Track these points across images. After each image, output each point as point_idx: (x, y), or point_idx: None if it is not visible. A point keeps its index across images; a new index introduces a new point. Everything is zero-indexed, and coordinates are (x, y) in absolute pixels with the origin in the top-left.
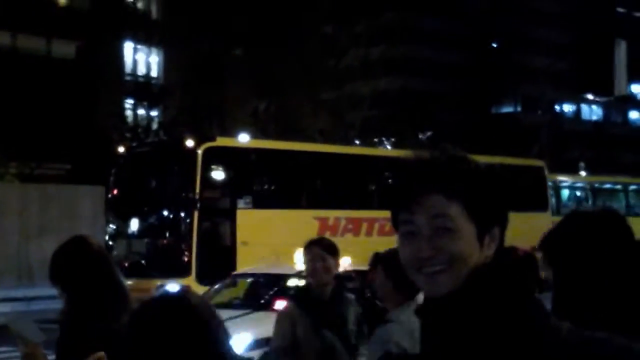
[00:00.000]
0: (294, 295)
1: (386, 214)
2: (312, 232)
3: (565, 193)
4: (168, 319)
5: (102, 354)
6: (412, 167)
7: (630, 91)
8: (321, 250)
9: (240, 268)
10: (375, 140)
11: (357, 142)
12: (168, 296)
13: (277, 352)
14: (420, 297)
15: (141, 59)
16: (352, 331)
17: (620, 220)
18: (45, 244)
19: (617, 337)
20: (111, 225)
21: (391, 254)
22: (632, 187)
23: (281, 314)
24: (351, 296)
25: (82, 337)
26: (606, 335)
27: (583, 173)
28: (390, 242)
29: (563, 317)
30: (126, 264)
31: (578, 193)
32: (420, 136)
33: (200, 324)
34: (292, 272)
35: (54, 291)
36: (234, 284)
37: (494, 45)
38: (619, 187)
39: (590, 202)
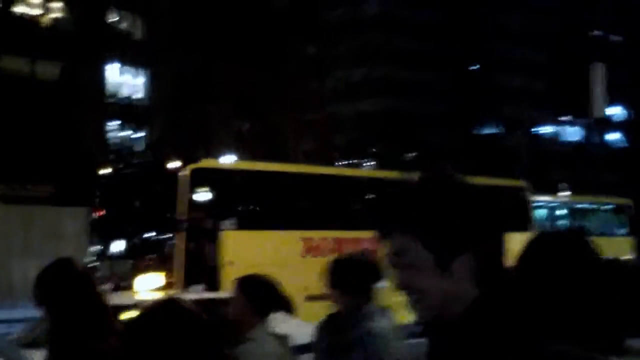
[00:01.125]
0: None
1: (370, 234)
2: (297, 252)
3: (542, 213)
4: (167, 321)
5: None
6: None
7: (606, 114)
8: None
9: (225, 289)
10: (359, 161)
11: (342, 163)
12: (162, 302)
13: None
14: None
15: (125, 80)
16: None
17: (583, 241)
18: (28, 265)
19: (577, 349)
20: (95, 246)
21: (249, 278)
22: (608, 206)
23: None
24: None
25: (72, 358)
26: (567, 347)
27: (566, 193)
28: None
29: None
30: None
31: (556, 212)
32: (404, 157)
33: (196, 324)
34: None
35: (36, 313)
36: None
37: (475, 66)
38: (595, 206)
39: (567, 221)
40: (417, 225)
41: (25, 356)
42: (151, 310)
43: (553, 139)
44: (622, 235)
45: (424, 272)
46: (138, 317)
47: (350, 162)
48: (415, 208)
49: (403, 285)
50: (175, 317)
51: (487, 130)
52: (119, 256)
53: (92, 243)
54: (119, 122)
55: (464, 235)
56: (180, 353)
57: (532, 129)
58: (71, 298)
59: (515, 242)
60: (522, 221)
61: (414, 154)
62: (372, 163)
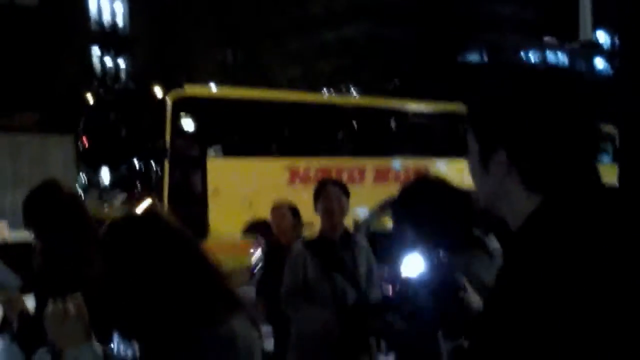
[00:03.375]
0: (304, 237)
1: (356, 162)
2: (283, 180)
3: None
4: (143, 225)
5: (78, 294)
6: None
7: (596, 37)
8: (338, 190)
9: (212, 217)
10: (344, 88)
11: (326, 90)
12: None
13: (288, 294)
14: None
15: (105, 7)
16: (363, 275)
17: None
18: (18, 193)
19: None
20: (82, 175)
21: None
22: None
23: (292, 256)
24: (363, 239)
25: (59, 282)
26: None
27: None
28: (359, 189)
29: None
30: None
31: None
32: (388, 84)
33: (174, 231)
34: None
35: (28, 238)
36: None
37: None
38: None
39: None
40: (476, 106)
41: (17, 278)
42: (125, 218)
43: (538, 64)
44: (606, 162)
45: (473, 161)
46: (115, 222)
47: (335, 89)
48: (478, 89)
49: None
50: (151, 224)
51: (471, 58)
52: (107, 186)
53: (80, 172)
54: (101, 49)
55: (497, 126)
56: (155, 260)
57: (517, 55)
58: (59, 219)
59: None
60: None
61: (397, 81)
62: (356, 90)
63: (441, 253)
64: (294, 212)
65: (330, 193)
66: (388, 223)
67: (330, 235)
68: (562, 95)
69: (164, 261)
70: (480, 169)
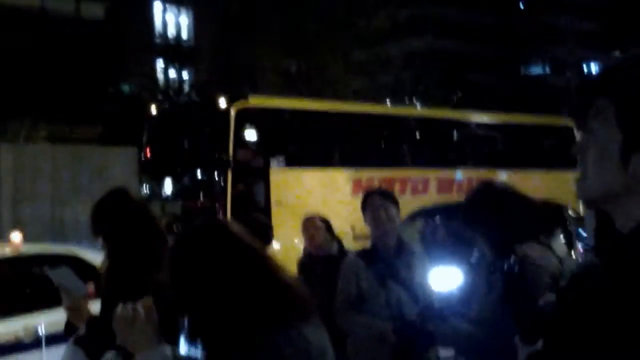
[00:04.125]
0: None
1: (419, 172)
2: (345, 191)
3: None
4: (212, 235)
5: (149, 298)
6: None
7: None
8: (382, 198)
9: (275, 228)
10: (407, 101)
11: (389, 102)
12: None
13: (341, 307)
14: None
15: (171, 20)
16: (419, 282)
17: None
18: (78, 206)
19: None
20: (144, 187)
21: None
22: None
23: (345, 267)
24: (418, 246)
25: (128, 287)
26: None
27: None
28: (422, 200)
29: None
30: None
31: None
32: (451, 97)
33: (242, 240)
34: None
35: (86, 252)
36: None
37: (521, 5)
38: None
39: None
40: (623, 91)
41: (83, 285)
42: (197, 227)
43: None
44: None
45: (602, 151)
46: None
47: (398, 101)
48: (624, 74)
49: (577, 157)
50: (218, 237)
51: (534, 71)
52: (169, 196)
53: (142, 183)
54: (165, 61)
55: None
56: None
57: (582, 68)
58: (130, 225)
59: (563, 180)
60: (570, 159)
61: (460, 94)
62: (419, 103)
63: (512, 258)
64: (327, 224)
65: (376, 202)
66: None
67: (382, 244)
68: None
69: (234, 270)
70: (618, 160)
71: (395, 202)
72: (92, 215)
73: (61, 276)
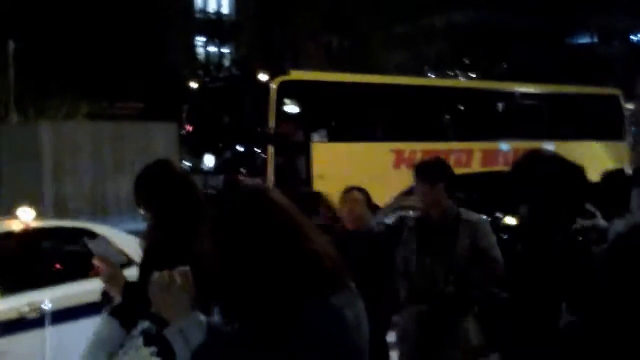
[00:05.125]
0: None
1: (462, 145)
2: (388, 165)
3: None
4: (254, 199)
5: (187, 267)
6: None
7: None
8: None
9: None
10: (450, 73)
11: (432, 75)
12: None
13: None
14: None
15: None
16: (462, 257)
17: None
18: (120, 181)
19: None
20: (185, 162)
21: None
22: None
23: (403, 237)
24: (476, 219)
25: (167, 256)
26: None
27: None
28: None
29: None
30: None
31: None
32: (495, 68)
33: (283, 206)
34: None
35: (129, 227)
36: None
37: None
38: None
39: None
40: None
41: (119, 255)
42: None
43: None
44: None
45: None
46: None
47: (441, 74)
48: None
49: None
50: (259, 203)
51: (580, 41)
52: (211, 171)
53: (183, 158)
54: (205, 37)
55: None
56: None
57: (629, 37)
58: (170, 196)
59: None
60: (617, 130)
61: (505, 65)
62: (462, 75)
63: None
64: (367, 197)
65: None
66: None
67: (430, 217)
68: None
69: (272, 238)
70: None
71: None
72: (135, 185)
73: (99, 246)
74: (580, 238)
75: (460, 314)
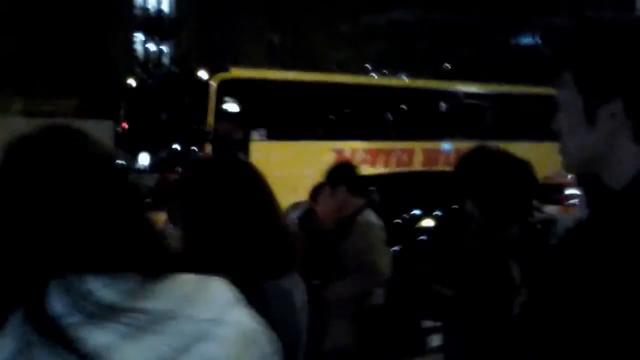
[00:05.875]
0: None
1: (404, 144)
2: (328, 164)
3: None
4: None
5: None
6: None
7: None
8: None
9: None
10: (391, 72)
11: (374, 74)
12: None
13: None
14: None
15: None
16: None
17: None
18: None
19: None
20: (121, 160)
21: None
22: None
23: None
24: (365, 221)
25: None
26: None
27: None
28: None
29: None
30: None
31: None
32: (438, 68)
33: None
34: None
35: None
36: None
37: None
38: None
39: None
40: (575, 56)
41: None
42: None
43: None
44: None
45: (571, 115)
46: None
47: (383, 73)
48: (581, 40)
49: (555, 130)
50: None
51: (525, 40)
52: (146, 169)
53: (119, 156)
54: (145, 35)
55: (615, 73)
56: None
57: None
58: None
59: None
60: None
61: (449, 66)
62: (405, 74)
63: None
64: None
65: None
66: None
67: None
68: None
69: (246, 206)
70: (585, 121)
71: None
72: None
73: None
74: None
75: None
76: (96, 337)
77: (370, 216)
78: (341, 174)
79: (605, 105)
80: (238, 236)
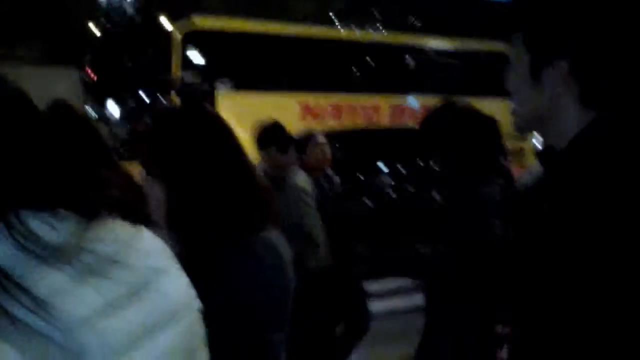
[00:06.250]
0: None
1: (370, 98)
2: (294, 116)
3: None
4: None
5: None
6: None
7: None
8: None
9: None
10: (359, 26)
11: (341, 26)
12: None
13: None
14: None
15: None
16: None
17: None
18: None
19: None
20: (88, 108)
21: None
22: None
23: None
24: (293, 184)
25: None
26: None
27: None
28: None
29: None
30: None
31: None
32: (406, 21)
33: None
34: None
35: None
36: None
37: None
38: None
39: None
40: (524, 17)
41: None
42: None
43: None
44: None
45: (519, 75)
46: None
47: (351, 25)
48: (531, 2)
49: (508, 90)
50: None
51: None
52: (115, 119)
53: (86, 104)
54: None
55: (561, 35)
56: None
57: None
58: (74, 139)
59: None
60: None
61: (415, 19)
62: (371, 26)
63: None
64: None
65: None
66: None
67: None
68: (631, 9)
69: (222, 161)
70: (531, 81)
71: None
72: None
73: None
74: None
75: None
76: (50, 279)
77: (298, 178)
78: (270, 135)
79: (550, 66)
80: (218, 190)
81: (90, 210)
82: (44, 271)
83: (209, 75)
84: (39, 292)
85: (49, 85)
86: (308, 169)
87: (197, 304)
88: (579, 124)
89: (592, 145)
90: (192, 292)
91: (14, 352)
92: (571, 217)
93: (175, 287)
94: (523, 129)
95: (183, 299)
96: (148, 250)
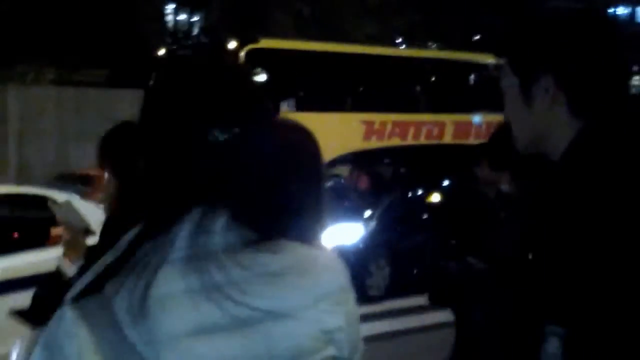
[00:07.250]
0: None
1: (433, 117)
2: (358, 136)
3: None
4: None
5: None
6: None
7: None
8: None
9: None
10: (422, 43)
11: (404, 45)
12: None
13: None
14: None
15: None
16: None
17: None
18: (83, 148)
19: None
20: None
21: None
22: None
23: None
24: None
25: (129, 221)
26: None
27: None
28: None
29: None
30: None
31: None
32: (467, 39)
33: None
34: None
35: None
36: None
37: None
38: None
39: None
40: (508, 44)
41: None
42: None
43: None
44: None
45: (512, 100)
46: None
47: (412, 44)
48: (511, 32)
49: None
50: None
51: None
52: None
53: None
54: (175, 5)
55: (543, 51)
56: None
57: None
58: (135, 159)
59: None
60: None
61: (479, 37)
62: (434, 45)
63: None
64: None
65: None
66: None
67: None
68: (604, 22)
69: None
70: (523, 103)
71: None
72: (99, 146)
73: (64, 210)
74: None
75: None
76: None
77: None
78: None
79: (538, 82)
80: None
81: (265, 230)
82: (168, 274)
83: (273, 95)
84: (150, 293)
85: (112, 108)
86: None
87: (328, 352)
88: (571, 134)
89: (584, 152)
90: (323, 338)
91: (89, 335)
92: (589, 220)
93: (294, 335)
94: (526, 151)
95: (302, 346)
96: (290, 287)
